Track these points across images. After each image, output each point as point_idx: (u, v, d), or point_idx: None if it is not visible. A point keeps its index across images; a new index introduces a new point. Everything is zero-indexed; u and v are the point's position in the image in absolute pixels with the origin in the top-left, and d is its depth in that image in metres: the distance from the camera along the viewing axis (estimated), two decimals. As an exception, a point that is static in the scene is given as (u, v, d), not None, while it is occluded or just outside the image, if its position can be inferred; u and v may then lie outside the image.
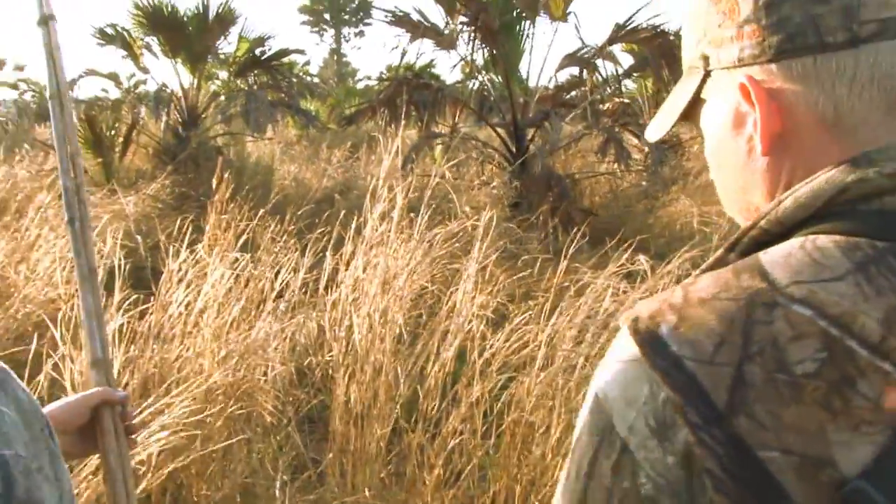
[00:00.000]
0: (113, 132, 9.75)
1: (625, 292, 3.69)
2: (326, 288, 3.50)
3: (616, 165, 9.15)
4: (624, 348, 0.65)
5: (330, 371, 3.08)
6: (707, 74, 0.74)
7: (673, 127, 0.81)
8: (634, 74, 11.33)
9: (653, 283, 4.06)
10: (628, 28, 8.31)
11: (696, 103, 0.77)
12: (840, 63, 0.65)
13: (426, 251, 3.33)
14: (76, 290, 3.95)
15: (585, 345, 3.04)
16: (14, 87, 36.15)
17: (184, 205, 8.07)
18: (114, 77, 14.94)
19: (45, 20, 1.38)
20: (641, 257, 4.33)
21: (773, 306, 0.59)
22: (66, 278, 4.21)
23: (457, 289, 3.13)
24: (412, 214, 3.52)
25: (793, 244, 0.64)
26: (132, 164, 10.56)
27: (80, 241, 1.36)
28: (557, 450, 2.81)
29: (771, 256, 0.64)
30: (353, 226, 3.27)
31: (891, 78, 0.65)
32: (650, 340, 0.62)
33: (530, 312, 3.31)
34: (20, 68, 35.79)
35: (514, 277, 4.25)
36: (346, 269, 3.17)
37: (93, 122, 9.31)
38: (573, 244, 4.20)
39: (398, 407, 2.89)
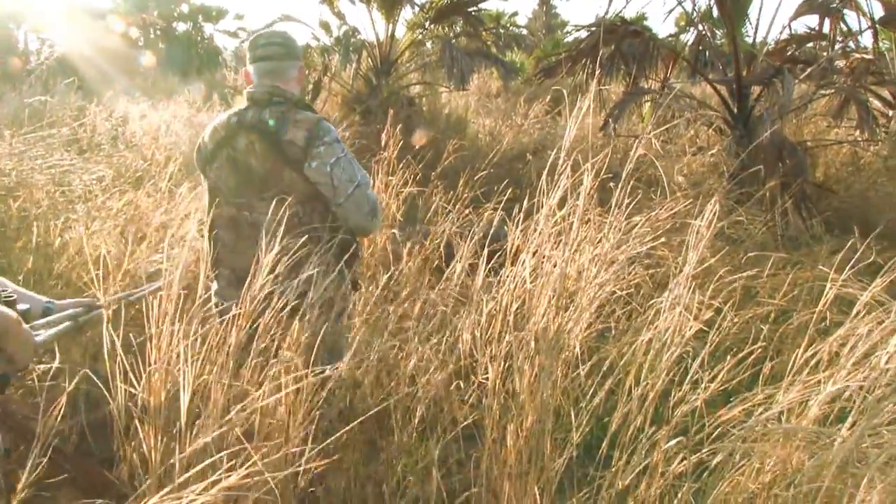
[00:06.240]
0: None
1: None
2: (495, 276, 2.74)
3: (857, 133, 7.68)
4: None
5: (484, 398, 2.31)
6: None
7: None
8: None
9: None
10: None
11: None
12: (252, 66, 2.88)
13: (619, 245, 2.44)
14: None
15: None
16: (234, 35, 37.82)
17: (362, 159, 7.58)
18: (325, 26, 14.76)
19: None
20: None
21: (216, 121, 2.93)
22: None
23: (659, 300, 2.28)
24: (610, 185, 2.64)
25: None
26: (323, 111, 10.25)
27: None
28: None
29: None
30: (522, 208, 2.45)
31: (257, 71, 2.87)
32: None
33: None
34: (240, 17, 37.35)
35: (734, 276, 3.30)
36: (511, 267, 2.36)
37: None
38: (810, 229, 3.17)
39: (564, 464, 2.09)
